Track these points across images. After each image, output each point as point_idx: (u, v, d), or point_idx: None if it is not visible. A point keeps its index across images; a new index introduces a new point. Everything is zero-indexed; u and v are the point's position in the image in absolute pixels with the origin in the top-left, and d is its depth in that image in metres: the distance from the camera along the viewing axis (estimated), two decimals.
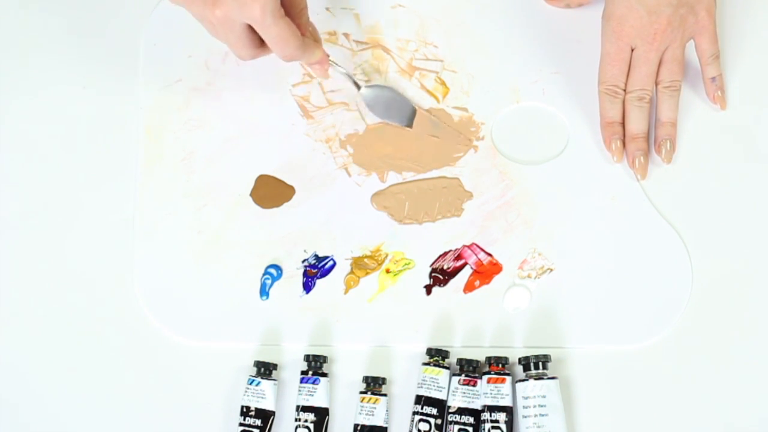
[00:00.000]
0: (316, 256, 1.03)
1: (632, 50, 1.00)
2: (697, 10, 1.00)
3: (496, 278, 1.02)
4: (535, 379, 0.97)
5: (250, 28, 0.93)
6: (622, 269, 1.02)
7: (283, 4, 0.93)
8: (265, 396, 0.98)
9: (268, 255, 1.03)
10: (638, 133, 1.02)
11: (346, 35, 1.06)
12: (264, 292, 1.02)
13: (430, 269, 1.03)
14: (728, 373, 1.00)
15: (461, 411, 0.98)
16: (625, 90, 1.01)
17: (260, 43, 0.95)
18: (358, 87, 1.03)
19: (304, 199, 1.03)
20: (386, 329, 1.01)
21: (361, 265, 1.02)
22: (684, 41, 1.01)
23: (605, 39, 1.01)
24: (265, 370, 0.99)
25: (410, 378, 1.01)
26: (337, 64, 1.01)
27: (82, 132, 1.05)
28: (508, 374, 0.98)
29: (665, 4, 0.98)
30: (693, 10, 1.00)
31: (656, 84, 1.02)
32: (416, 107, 1.03)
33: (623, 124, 1.02)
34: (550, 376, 0.98)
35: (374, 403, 0.98)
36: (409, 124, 1.03)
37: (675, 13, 0.99)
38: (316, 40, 0.99)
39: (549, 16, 1.06)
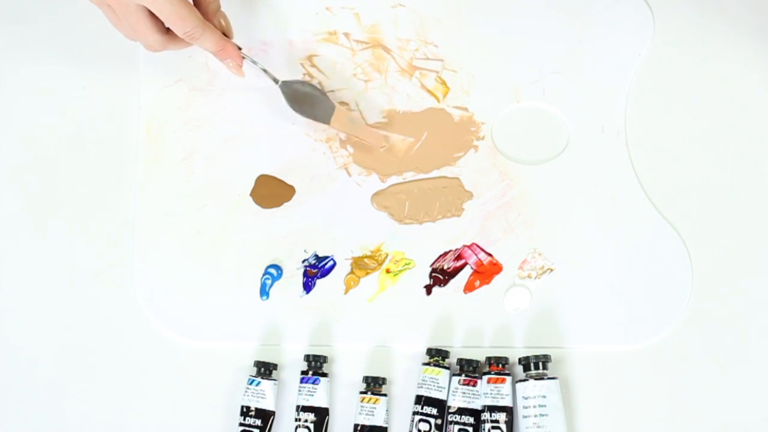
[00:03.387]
0: (316, 256, 1.03)
1: None
2: None
3: (497, 278, 1.02)
4: (535, 379, 0.97)
5: (149, 12, 0.94)
6: (622, 269, 1.02)
7: None
8: (265, 396, 0.98)
9: (268, 255, 1.03)
10: None
11: (346, 35, 1.06)
12: (264, 292, 1.02)
13: (430, 269, 1.03)
14: (728, 373, 1.00)
15: (461, 411, 0.98)
16: None
17: (165, 30, 0.96)
18: (276, 81, 1.02)
19: (304, 199, 1.03)
20: (386, 329, 1.02)
21: (361, 265, 1.02)
22: None
23: None
24: (265, 370, 0.99)
25: (410, 378, 1.01)
26: (251, 59, 1.01)
27: (82, 132, 1.05)
28: (508, 374, 0.98)
29: None
30: None
31: None
32: (335, 104, 1.03)
33: None
34: (550, 376, 0.98)
35: (374, 403, 0.98)
36: (327, 121, 1.02)
37: None
38: (226, 32, 0.99)
39: (549, 16, 1.06)
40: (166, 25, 0.96)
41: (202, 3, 0.98)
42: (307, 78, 1.05)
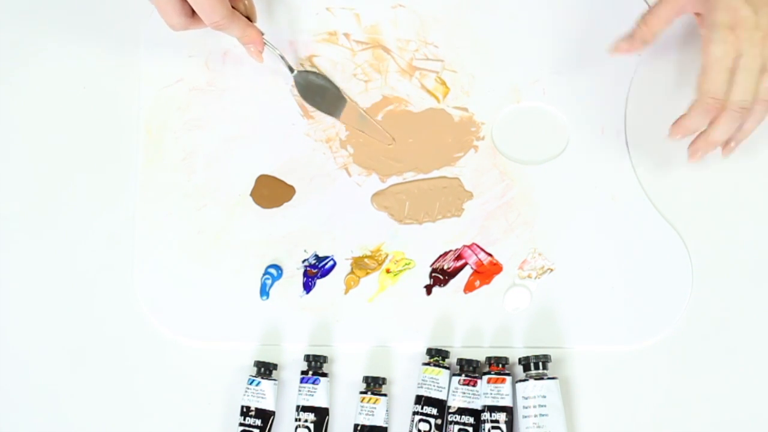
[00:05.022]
0: (316, 256, 1.03)
1: (740, 57, 0.93)
2: None
3: (497, 278, 1.02)
4: (535, 379, 0.97)
5: None
6: (622, 269, 1.02)
7: None
8: (265, 396, 0.98)
9: (268, 255, 1.03)
10: (720, 141, 0.97)
11: (346, 35, 1.06)
12: (264, 292, 1.02)
13: (430, 269, 1.03)
14: (728, 373, 1.00)
15: (461, 411, 0.98)
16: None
17: (191, 12, 0.96)
18: (292, 70, 1.03)
19: (304, 199, 1.03)
20: (386, 329, 1.01)
21: (361, 265, 1.02)
22: None
23: (713, 46, 0.93)
24: (265, 370, 0.99)
25: (410, 378, 1.01)
26: (272, 46, 1.02)
27: (82, 132, 1.05)
28: (508, 374, 0.98)
29: (764, 3, 0.93)
30: None
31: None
32: (347, 98, 1.03)
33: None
34: (550, 376, 0.98)
35: (374, 403, 0.98)
36: (337, 115, 1.03)
37: None
38: (250, 17, 1.00)
39: (550, 16, 1.06)
40: (196, 11, 0.96)
41: None
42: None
